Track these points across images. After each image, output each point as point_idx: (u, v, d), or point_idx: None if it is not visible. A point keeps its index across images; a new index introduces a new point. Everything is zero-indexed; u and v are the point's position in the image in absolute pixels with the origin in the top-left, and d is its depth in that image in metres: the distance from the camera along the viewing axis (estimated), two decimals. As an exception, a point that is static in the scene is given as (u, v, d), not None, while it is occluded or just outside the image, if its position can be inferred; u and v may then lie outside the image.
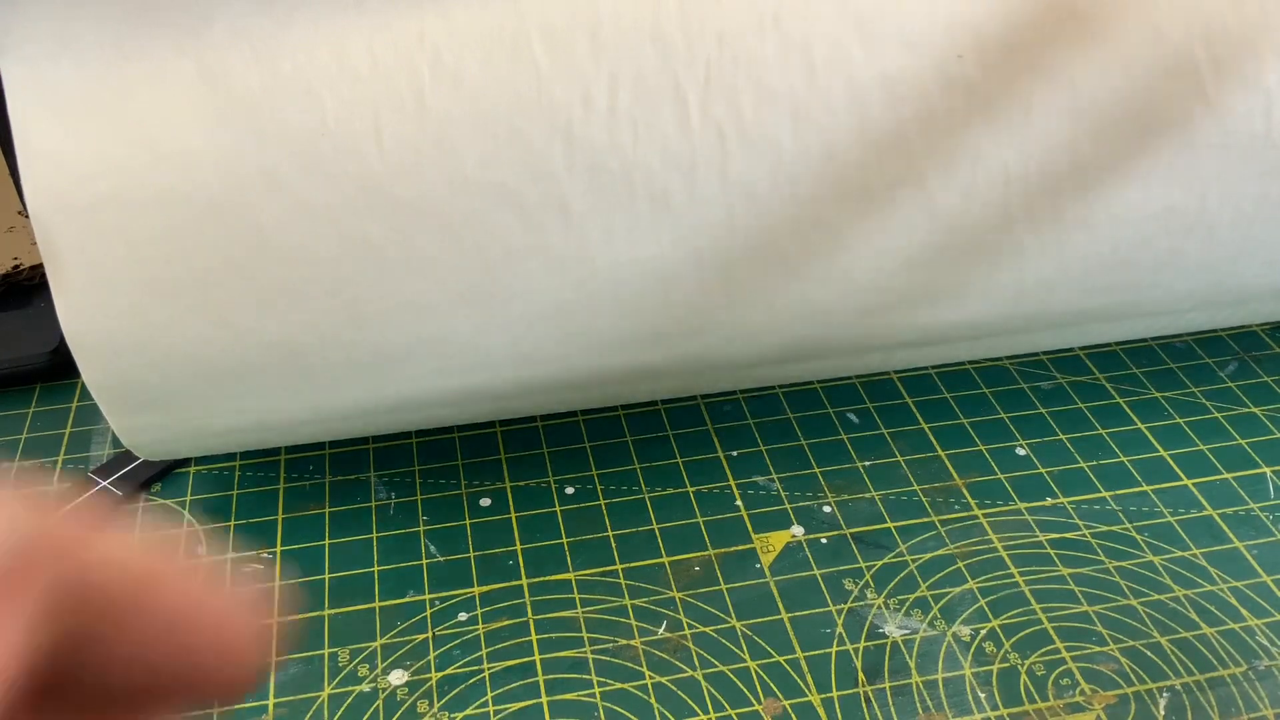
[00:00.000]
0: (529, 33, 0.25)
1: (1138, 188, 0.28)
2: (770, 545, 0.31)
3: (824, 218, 0.27)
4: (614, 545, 0.31)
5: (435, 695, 0.28)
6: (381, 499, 0.33)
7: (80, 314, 0.26)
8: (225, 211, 0.25)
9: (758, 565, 0.31)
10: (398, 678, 0.28)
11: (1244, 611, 0.29)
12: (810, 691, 0.28)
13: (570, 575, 0.31)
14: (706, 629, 0.29)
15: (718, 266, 0.27)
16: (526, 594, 0.30)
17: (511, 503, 0.33)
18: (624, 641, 0.29)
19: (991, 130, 0.26)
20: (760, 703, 0.27)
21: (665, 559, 0.31)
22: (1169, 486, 0.33)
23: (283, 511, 0.33)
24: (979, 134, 0.26)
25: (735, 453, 0.34)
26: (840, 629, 0.29)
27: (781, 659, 0.28)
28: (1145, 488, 0.33)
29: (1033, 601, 0.30)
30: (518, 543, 0.32)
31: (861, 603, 0.30)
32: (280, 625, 0.28)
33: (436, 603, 0.30)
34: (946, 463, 0.34)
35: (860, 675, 0.28)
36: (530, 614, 0.30)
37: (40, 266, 0.38)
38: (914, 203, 0.27)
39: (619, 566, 0.31)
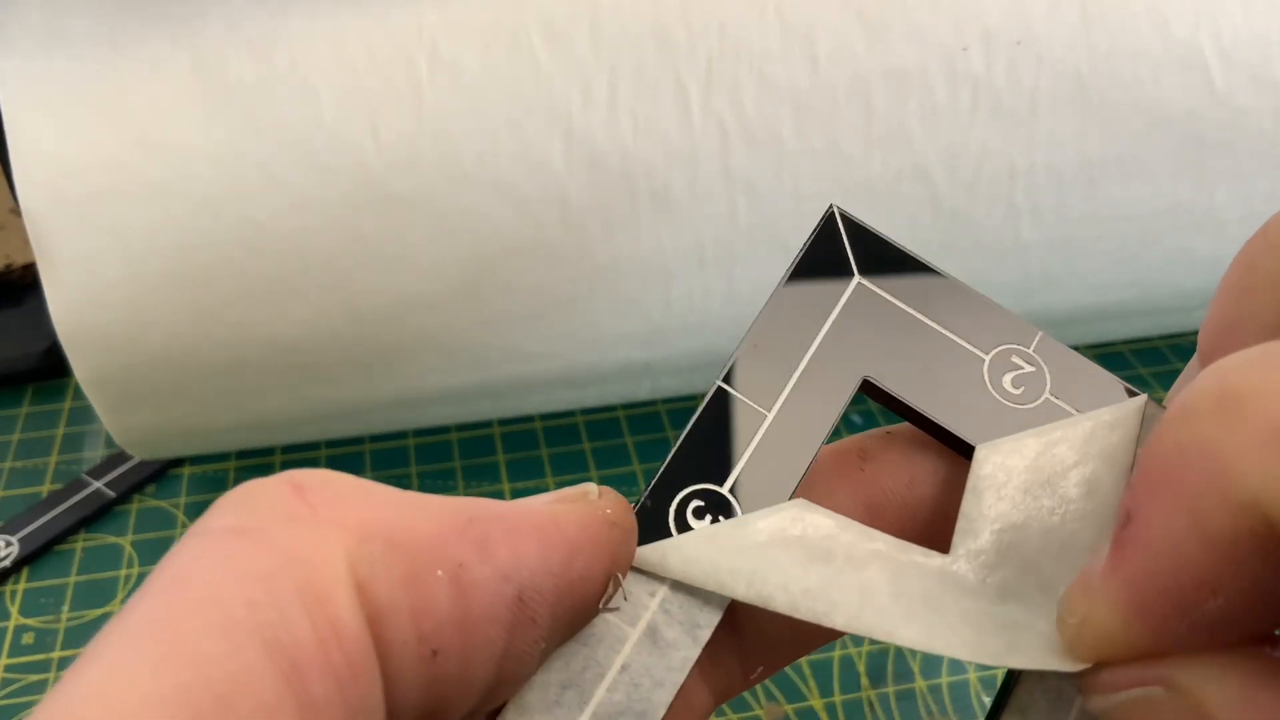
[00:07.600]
0: (528, 25, 0.25)
1: (1145, 183, 0.28)
2: (772, 547, 0.31)
3: (827, 213, 0.26)
4: (614, 547, 0.31)
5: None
6: (378, 500, 0.33)
7: (73, 310, 0.25)
8: (220, 206, 0.25)
9: (759, 567, 0.30)
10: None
11: (1253, 614, 0.29)
12: (813, 695, 0.27)
13: (569, 577, 0.30)
14: (708, 632, 0.29)
15: (719, 262, 0.27)
16: (525, 596, 0.30)
17: (510, 504, 0.33)
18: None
19: (997, 124, 0.26)
20: (762, 706, 0.27)
21: (666, 561, 0.31)
22: (1176, 488, 0.33)
23: (278, 513, 0.32)
24: (984, 128, 0.26)
25: (736, 454, 0.34)
26: (843, 632, 0.29)
27: (784, 662, 0.28)
28: (1152, 489, 0.33)
29: (1039, 604, 0.29)
30: (516, 544, 0.31)
31: (865, 605, 0.29)
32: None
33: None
34: (950, 464, 0.33)
35: (864, 679, 0.28)
36: (529, 616, 0.29)
37: (33, 265, 0.38)
38: (918, 197, 0.27)
39: (619, 568, 0.30)
